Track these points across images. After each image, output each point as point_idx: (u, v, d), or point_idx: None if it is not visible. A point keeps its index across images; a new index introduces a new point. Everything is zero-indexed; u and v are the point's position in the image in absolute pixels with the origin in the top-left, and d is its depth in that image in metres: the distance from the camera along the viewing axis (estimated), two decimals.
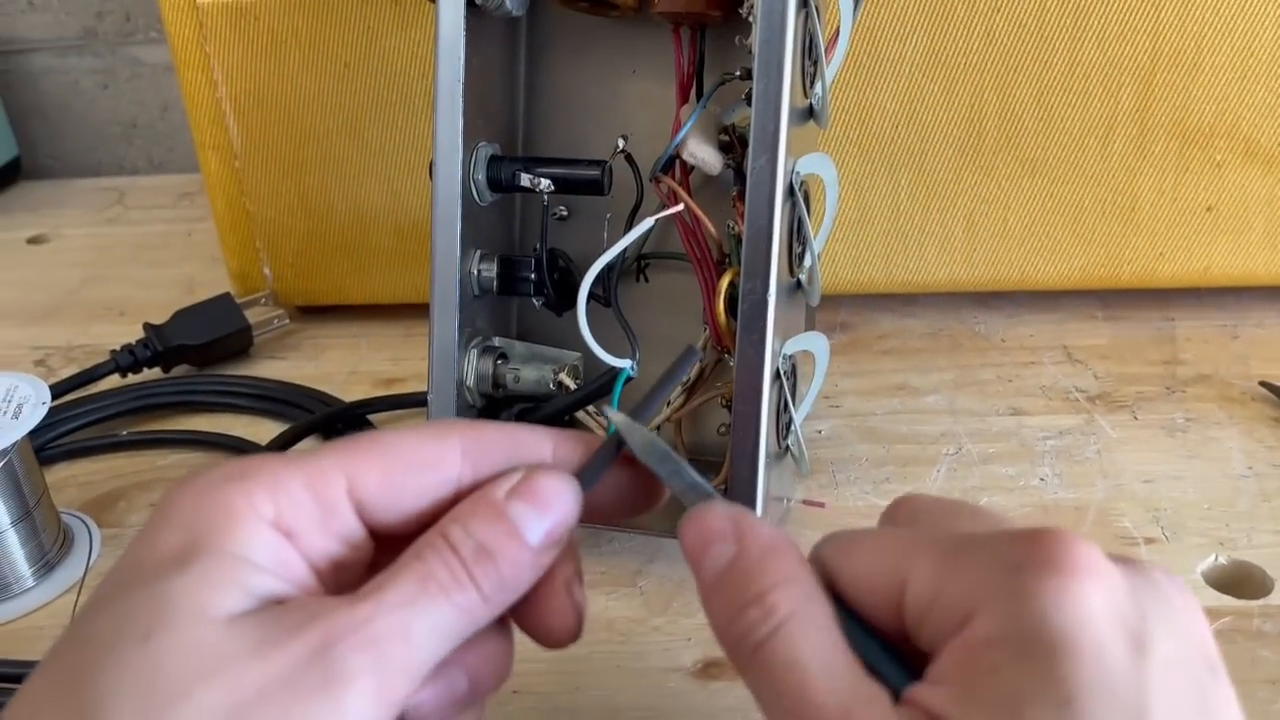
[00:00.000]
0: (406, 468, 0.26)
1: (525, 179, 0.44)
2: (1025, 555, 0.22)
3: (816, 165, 0.42)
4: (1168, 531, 0.45)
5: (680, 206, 0.39)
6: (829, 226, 0.44)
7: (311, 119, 0.58)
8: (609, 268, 0.43)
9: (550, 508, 0.27)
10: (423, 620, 0.24)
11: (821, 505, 0.47)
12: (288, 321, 0.64)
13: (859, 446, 0.51)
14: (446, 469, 0.27)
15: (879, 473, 0.50)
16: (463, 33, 0.42)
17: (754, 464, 0.40)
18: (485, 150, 0.44)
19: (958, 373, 0.57)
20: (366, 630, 0.23)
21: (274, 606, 0.23)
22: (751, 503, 0.40)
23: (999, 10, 0.53)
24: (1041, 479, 0.48)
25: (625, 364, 0.40)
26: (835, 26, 0.44)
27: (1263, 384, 0.53)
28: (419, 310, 0.66)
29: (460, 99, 0.42)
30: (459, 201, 0.43)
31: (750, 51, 0.41)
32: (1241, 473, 0.48)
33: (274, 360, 0.62)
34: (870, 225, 0.58)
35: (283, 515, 0.24)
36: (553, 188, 0.44)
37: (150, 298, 0.70)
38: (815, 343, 0.44)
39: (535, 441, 0.28)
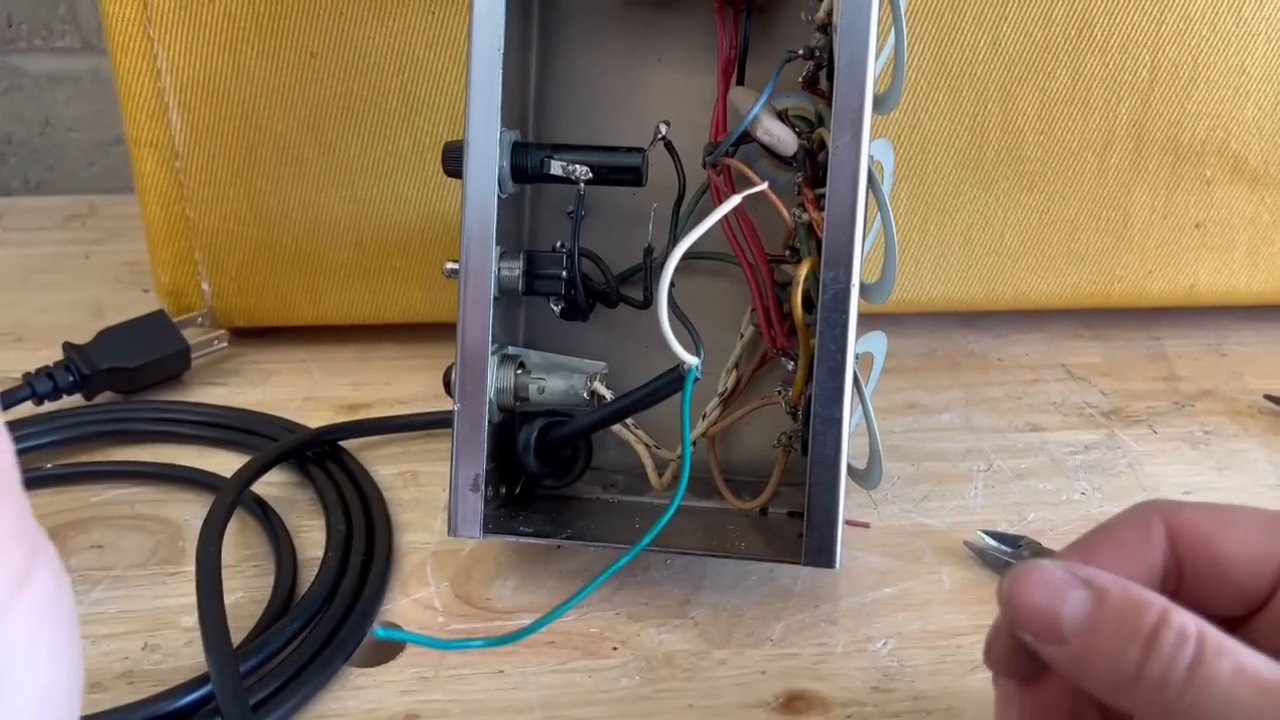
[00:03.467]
0: None
1: (557, 166, 0.40)
2: None
3: (880, 151, 0.40)
4: None
5: (764, 184, 0.36)
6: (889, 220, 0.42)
7: (269, 115, 0.52)
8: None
9: None
10: None
11: (866, 525, 0.44)
12: (226, 344, 0.57)
13: (888, 465, 0.48)
14: None
15: (915, 491, 0.47)
16: None
17: (836, 473, 0.37)
18: (507, 136, 0.40)
19: (965, 390, 0.55)
20: None
21: None
22: (834, 518, 0.37)
23: (1005, 18, 0.52)
24: (1082, 494, 0.46)
25: (694, 361, 0.36)
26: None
27: (1268, 397, 0.53)
28: (374, 332, 0.61)
29: (499, 72, 0.37)
30: (495, 187, 0.38)
31: (817, 28, 0.39)
32: (1274, 483, 0.47)
33: (212, 386, 0.55)
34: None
35: None
36: (590, 175, 0.40)
37: (51, 322, 0.62)
38: (875, 343, 0.41)
39: None
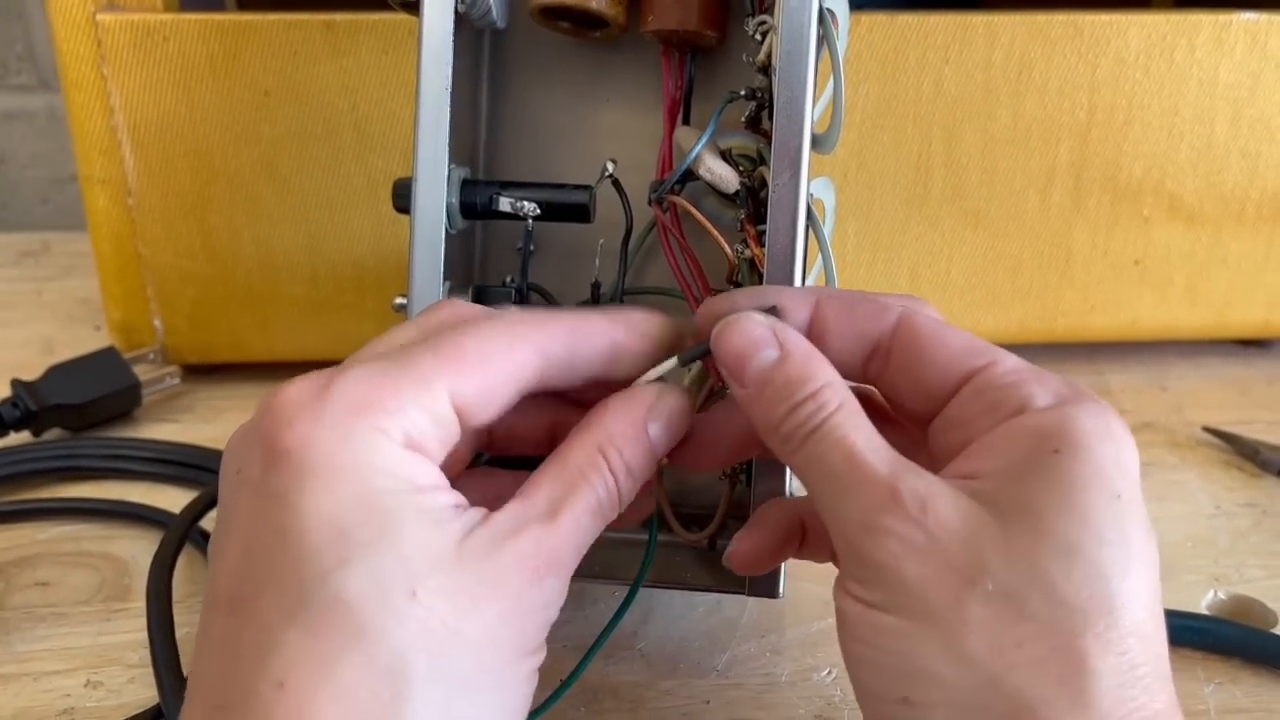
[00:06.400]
0: (498, 379, 0.28)
1: (505, 203, 0.41)
2: (1108, 408, 0.28)
3: (821, 190, 0.41)
4: (1162, 570, 0.44)
5: None
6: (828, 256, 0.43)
7: (222, 152, 0.53)
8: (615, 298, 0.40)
9: (677, 431, 0.31)
10: (591, 537, 0.29)
11: None
12: (178, 381, 0.57)
13: None
14: (528, 373, 0.29)
15: None
16: (450, 38, 0.38)
17: None
18: (457, 173, 0.41)
19: None
20: (560, 556, 0.27)
21: (481, 532, 0.26)
22: None
23: (948, 61, 0.53)
24: None
25: None
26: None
27: (1207, 429, 0.54)
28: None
29: (448, 112, 0.38)
30: (443, 225, 0.39)
31: (758, 69, 0.40)
32: (1210, 512, 0.48)
33: (163, 423, 0.55)
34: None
35: (411, 439, 0.26)
36: (538, 212, 0.40)
37: (1, 359, 0.61)
38: None
39: (597, 335, 0.31)
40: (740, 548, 0.34)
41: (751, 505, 0.38)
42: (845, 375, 0.31)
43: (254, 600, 0.24)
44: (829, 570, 0.44)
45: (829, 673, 0.39)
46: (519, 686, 0.27)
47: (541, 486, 0.28)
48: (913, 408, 0.31)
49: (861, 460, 0.27)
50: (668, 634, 0.40)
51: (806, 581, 0.43)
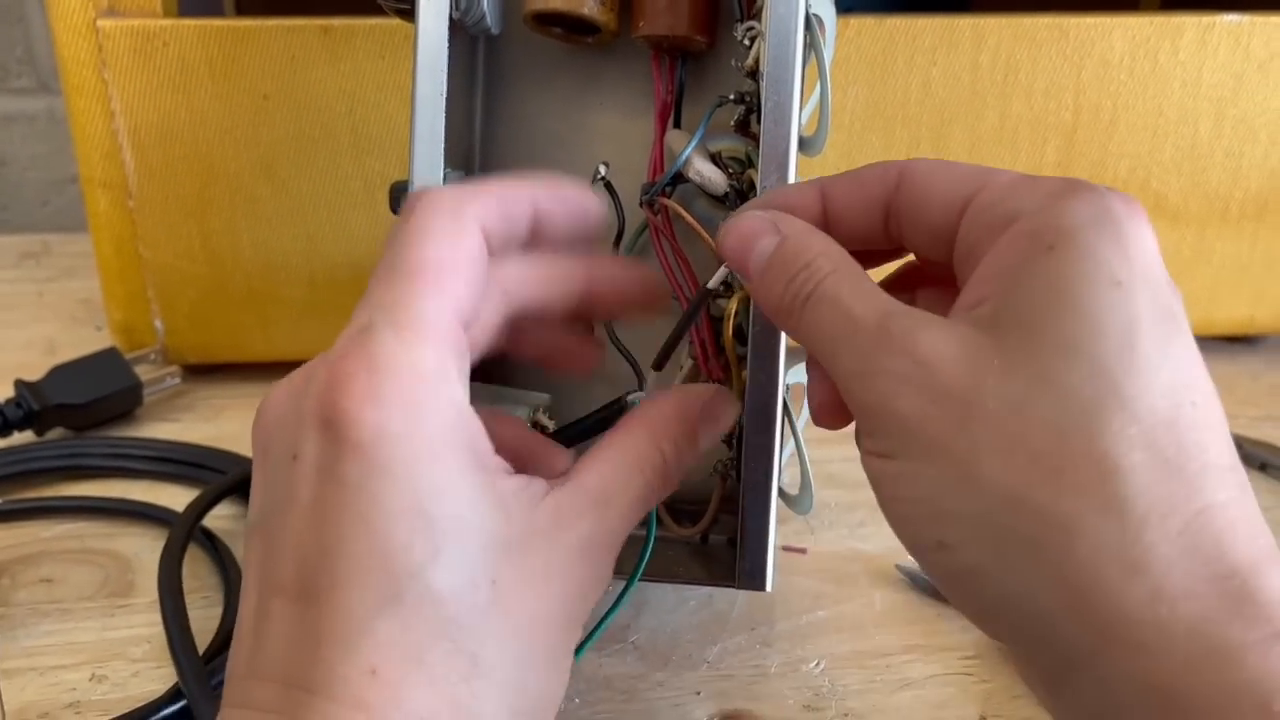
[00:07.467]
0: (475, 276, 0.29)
1: None
2: (1110, 192, 0.26)
3: None
4: None
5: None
6: None
7: (222, 155, 0.54)
8: None
9: (724, 431, 0.34)
10: (637, 521, 0.30)
11: (803, 551, 0.46)
12: (178, 380, 0.58)
13: (825, 493, 0.50)
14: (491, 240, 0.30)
15: (852, 517, 0.48)
16: (446, 44, 0.39)
17: (767, 499, 0.38)
18: (453, 177, 0.41)
19: None
20: (614, 540, 0.29)
21: (544, 514, 0.27)
22: (765, 542, 0.38)
23: (935, 64, 0.54)
24: None
25: (638, 395, 0.37)
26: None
27: None
28: None
29: (442, 117, 0.39)
30: None
31: (746, 74, 0.41)
32: None
33: (164, 422, 0.56)
34: None
35: (459, 401, 0.27)
36: None
37: (4, 359, 0.62)
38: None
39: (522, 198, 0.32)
40: (820, 401, 0.32)
41: (740, 499, 0.39)
42: (871, 245, 0.31)
43: (333, 590, 0.24)
44: (817, 564, 0.46)
45: (817, 664, 0.39)
46: (570, 660, 0.28)
47: (598, 472, 0.29)
48: (936, 257, 0.29)
49: (850, 310, 0.27)
50: (660, 627, 0.41)
51: (795, 575, 0.44)
